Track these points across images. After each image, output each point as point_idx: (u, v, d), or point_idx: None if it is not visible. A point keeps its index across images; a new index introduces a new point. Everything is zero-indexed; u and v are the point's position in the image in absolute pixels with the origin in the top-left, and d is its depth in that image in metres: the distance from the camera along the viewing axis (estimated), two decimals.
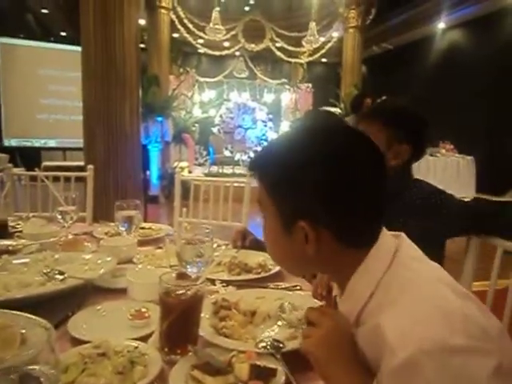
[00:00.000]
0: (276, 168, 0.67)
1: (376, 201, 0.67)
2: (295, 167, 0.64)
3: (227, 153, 10.31)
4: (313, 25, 8.82)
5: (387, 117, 1.32)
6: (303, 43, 9.14)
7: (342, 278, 0.69)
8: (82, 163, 3.55)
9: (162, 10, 7.88)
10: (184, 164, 8.16)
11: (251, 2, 9.50)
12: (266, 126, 11.23)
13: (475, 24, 8.37)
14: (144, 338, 0.84)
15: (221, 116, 11.17)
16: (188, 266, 1.02)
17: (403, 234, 0.70)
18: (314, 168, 0.63)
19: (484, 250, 1.25)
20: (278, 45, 9.43)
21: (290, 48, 9.54)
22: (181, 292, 0.78)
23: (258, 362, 0.69)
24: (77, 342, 0.83)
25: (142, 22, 7.85)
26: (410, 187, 1.31)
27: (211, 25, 8.23)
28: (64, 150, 6.71)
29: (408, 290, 0.60)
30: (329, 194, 0.63)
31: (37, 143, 6.42)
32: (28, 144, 6.34)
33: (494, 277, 1.18)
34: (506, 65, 7.30)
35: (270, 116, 11.50)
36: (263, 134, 10.96)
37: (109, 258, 1.20)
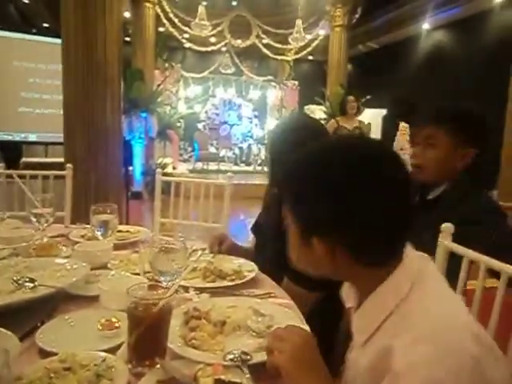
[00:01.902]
0: (294, 185, 0.70)
1: (396, 223, 0.65)
2: (310, 187, 0.66)
3: (212, 149, 10.29)
4: (299, 22, 8.83)
5: (452, 121, 1.33)
6: (290, 40, 9.15)
7: (361, 293, 0.70)
8: (63, 159, 3.49)
9: (147, 4, 7.78)
10: (168, 160, 8.12)
11: None
12: (251, 122, 11.24)
13: (459, 25, 8.49)
14: (113, 349, 0.84)
15: (206, 112, 11.13)
16: (161, 275, 1.02)
17: (428, 257, 0.70)
18: (327, 189, 0.64)
19: None
20: (264, 41, 9.42)
21: (277, 45, 9.54)
22: (149, 305, 0.78)
23: (223, 376, 0.70)
24: (45, 353, 0.82)
25: (127, 14, 7.76)
26: (470, 194, 1.33)
27: (197, 20, 8.18)
28: (46, 144, 6.59)
29: (427, 320, 0.59)
30: (342, 216, 0.64)
31: (17, 137, 6.29)
32: (9, 138, 6.21)
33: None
34: (489, 66, 7.43)
35: (256, 113, 11.50)
36: (249, 131, 10.96)
37: (83, 264, 1.19)
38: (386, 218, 0.64)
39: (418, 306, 0.62)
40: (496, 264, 1.07)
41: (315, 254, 0.67)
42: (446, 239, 1.21)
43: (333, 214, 0.64)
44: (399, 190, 0.65)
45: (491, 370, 0.55)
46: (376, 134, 8.19)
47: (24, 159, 5.84)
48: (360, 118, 5.39)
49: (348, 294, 0.78)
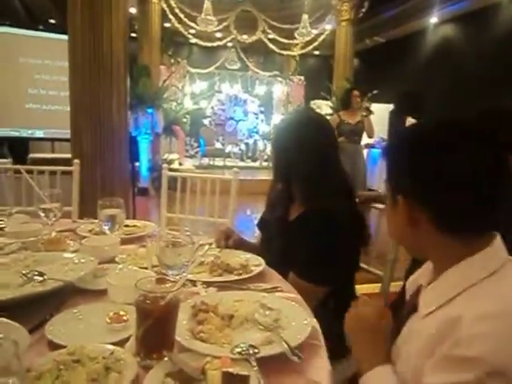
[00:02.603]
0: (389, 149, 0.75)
1: (484, 193, 0.65)
2: (398, 148, 0.72)
3: (218, 145, 10.29)
4: (305, 17, 8.77)
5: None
6: (296, 35, 9.10)
7: (441, 266, 0.70)
8: (69, 155, 3.51)
9: (153, 0, 7.77)
10: (174, 156, 8.13)
11: None
12: (257, 118, 11.20)
13: (467, 19, 8.39)
14: (122, 342, 0.84)
15: (212, 108, 11.11)
16: (168, 269, 1.02)
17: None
18: (414, 150, 0.68)
19: None
20: (270, 36, 9.36)
21: (283, 40, 9.48)
22: (157, 298, 0.78)
23: (231, 369, 0.70)
24: (54, 346, 0.83)
25: (133, 10, 7.75)
26: None
27: (203, 15, 8.14)
28: (52, 140, 6.63)
29: (502, 300, 0.61)
30: (427, 180, 0.66)
31: (24, 133, 6.33)
32: (16, 134, 6.25)
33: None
34: (499, 59, 7.35)
35: (262, 108, 11.46)
36: (254, 127, 10.94)
37: (90, 259, 1.20)
38: (473, 184, 0.64)
39: (499, 285, 0.63)
40: None
41: (400, 215, 0.69)
42: None
43: (414, 177, 0.67)
44: (490, 159, 0.65)
45: None
46: (383, 128, 8.14)
47: (31, 155, 5.88)
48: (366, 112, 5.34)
49: (421, 273, 0.80)
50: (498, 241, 0.68)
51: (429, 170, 0.65)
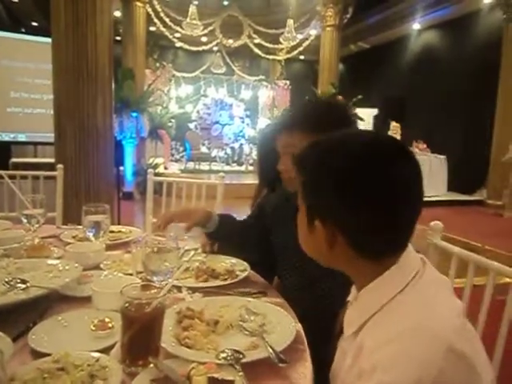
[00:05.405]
0: (307, 167, 0.70)
1: (398, 219, 0.64)
2: (320, 171, 0.67)
3: (204, 149, 10.27)
4: (290, 22, 8.86)
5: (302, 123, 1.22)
6: (281, 40, 9.18)
7: (358, 286, 0.70)
8: (52, 160, 3.47)
9: (138, 3, 7.75)
10: (160, 160, 8.09)
11: None
12: (243, 122, 11.23)
13: (449, 26, 8.59)
14: (107, 349, 0.84)
15: (198, 112, 11.10)
16: (153, 275, 1.02)
17: (427, 260, 0.69)
18: (335, 175, 0.64)
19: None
20: (255, 41, 9.43)
21: (268, 45, 9.56)
22: (142, 305, 0.78)
23: (216, 375, 0.71)
24: (37, 354, 0.82)
25: (118, 14, 7.71)
26: None
27: (188, 19, 8.16)
28: (35, 144, 6.53)
29: (400, 323, 0.59)
30: (341, 203, 0.64)
31: (6, 137, 6.23)
32: None
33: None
34: (479, 66, 7.52)
35: (248, 112, 11.50)
36: (240, 131, 10.96)
37: (75, 265, 1.19)
38: (387, 212, 0.63)
39: (400, 307, 0.62)
40: (484, 262, 1.10)
41: (317, 238, 0.68)
42: (435, 238, 1.23)
43: (332, 200, 0.65)
44: (402, 186, 0.64)
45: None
46: None
47: (13, 159, 5.78)
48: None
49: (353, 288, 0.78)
50: (407, 254, 0.67)
51: (353, 196, 0.63)
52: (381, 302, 0.64)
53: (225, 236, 1.41)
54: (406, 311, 0.61)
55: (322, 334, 0.86)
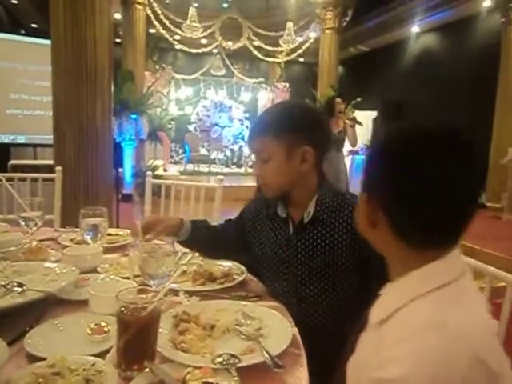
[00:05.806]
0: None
1: (445, 211, 0.62)
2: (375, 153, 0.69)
3: (203, 151, 10.27)
4: (290, 25, 8.87)
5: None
6: (280, 43, 9.18)
7: (392, 270, 0.68)
8: (51, 162, 3.47)
9: (138, 6, 7.76)
10: (159, 162, 8.09)
11: None
12: (242, 124, 11.23)
13: (448, 28, 8.61)
14: (103, 353, 0.84)
15: (197, 114, 11.10)
16: (150, 279, 1.02)
17: (470, 272, 0.66)
18: (388, 157, 0.65)
19: None
20: (255, 43, 9.43)
21: (268, 47, 9.56)
22: (138, 309, 0.78)
23: (212, 379, 0.71)
24: (33, 358, 0.82)
25: (118, 16, 7.73)
26: None
27: (188, 22, 8.16)
28: (34, 146, 6.53)
29: (433, 315, 0.57)
30: (389, 182, 0.63)
31: (6, 139, 6.23)
32: None
33: None
34: (478, 69, 7.54)
35: (247, 115, 11.49)
36: (240, 133, 10.96)
37: (72, 269, 1.19)
38: (438, 198, 0.61)
39: (433, 303, 0.59)
40: (479, 266, 1.10)
41: (364, 211, 0.68)
42: None
43: (382, 176, 0.65)
44: (451, 180, 0.61)
45: None
46: (366, 135, 8.23)
47: (12, 161, 5.78)
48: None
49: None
50: (455, 254, 0.65)
51: (402, 180, 0.62)
52: (414, 294, 0.61)
53: (197, 243, 1.33)
54: (438, 308, 0.58)
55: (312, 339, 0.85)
